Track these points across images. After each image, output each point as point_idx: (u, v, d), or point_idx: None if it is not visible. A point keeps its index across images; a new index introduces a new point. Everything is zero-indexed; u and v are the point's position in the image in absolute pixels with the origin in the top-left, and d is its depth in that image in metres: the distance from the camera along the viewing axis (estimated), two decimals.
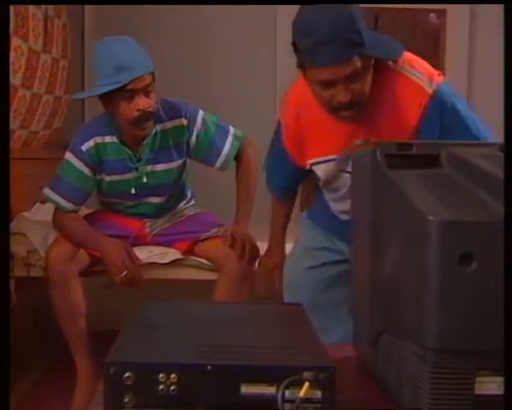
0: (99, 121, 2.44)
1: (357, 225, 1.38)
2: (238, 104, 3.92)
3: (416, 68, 1.84)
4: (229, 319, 1.35)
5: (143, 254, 2.61)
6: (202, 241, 2.54)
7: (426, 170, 1.22)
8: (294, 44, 1.71)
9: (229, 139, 2.55)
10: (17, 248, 2.61)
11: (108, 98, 2.29)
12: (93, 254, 2.46)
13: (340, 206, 2.02)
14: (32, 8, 2.87)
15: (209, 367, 1.04)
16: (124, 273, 2.37)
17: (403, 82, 1.81)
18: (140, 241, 2.59)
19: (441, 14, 4.20)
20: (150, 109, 2.30)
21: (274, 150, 2.15)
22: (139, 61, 2.25)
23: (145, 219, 2.61)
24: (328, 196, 2.09)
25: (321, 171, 1.98)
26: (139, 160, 2.45)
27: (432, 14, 4.23)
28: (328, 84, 1.68)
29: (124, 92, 2.24)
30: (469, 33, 4.19)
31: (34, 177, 2.98)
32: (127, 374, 1.04)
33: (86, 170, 2.42)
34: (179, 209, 2.68)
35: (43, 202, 3.07)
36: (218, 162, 2.57)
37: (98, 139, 2.41)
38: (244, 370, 1.05)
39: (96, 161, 2.42)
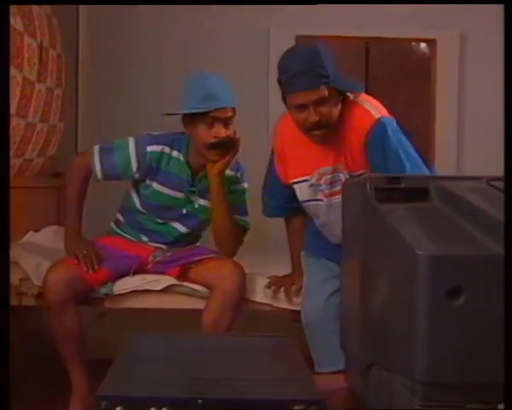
0: (175, 136, 2.59)
1: (347, 257, 1.39)
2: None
3: (369, 102, 2.28)
4: (220, 351, 1.35)
5: (136, 281, 2.61)
6: (196, 264, 2.58)
7: (415, 203, 1.24)
8: (279, 80, 2.20)
9: (242, 218, 2.69)
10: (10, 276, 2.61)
11: (191, 120, 2.47)
12: (89, 282, 2.50)
13: (325, 230, 2.39)
14: (26, 39, 2.90)
15: (200, 401, 1.05)
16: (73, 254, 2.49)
17: (357, 109, 2.25)
18: (142, 267, 2.63)
19: (431, 43, 4.25)
20: (226, 139, 2.47)
21: (269, 175, 2.52)
22: (225, 94, 2.46)
23: (154, 247, 2.66)
24: (315, 221, 2.44)
25: (298, 190, 2.38)
26: (192, 185, 2.59)
27: (422, 44, 4.28)
28: (302, 107, 2.16)
29: (206, 118, 2.43)
30: (459, 62, 4.24)
31: (27, 205, 2.98)
32: (118, 408, 1.04)
33: (135, 164, 2.53)
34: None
35: (36, 231, 3.08)
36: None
37: (166, 149, 2.55)
38: (235, 403, 1.06)
39: (153, 166, 2.54)
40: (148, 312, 2.73)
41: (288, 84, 2.16)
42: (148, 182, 2.57)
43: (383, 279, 1.17)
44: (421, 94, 4.18)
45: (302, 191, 2.39)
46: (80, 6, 3.83)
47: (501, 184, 1.25)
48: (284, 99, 2.23)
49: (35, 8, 3.02)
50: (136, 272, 2.61)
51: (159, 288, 2.60)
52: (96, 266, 2.50)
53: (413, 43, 4.29)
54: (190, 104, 2.45)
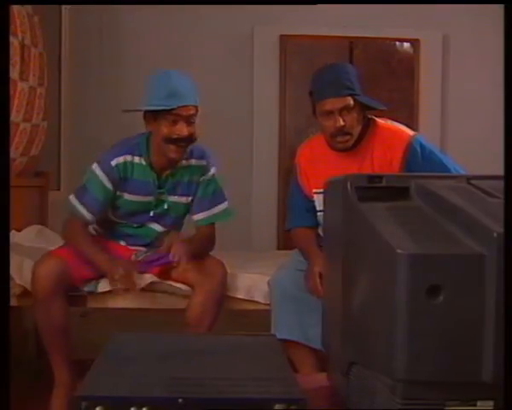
0: (132, 141, 2.60)
1: (328, 256, 1.40)
2: (214, 128, 3.96)
3: (394, 122, 2.57)
4: (202, 350, 1.35)
5: None
6: (177, 264, 2.58)
7: (395, 202, 1.24)
8: (311, 93, 2.48)
9: (222, 206, 2.68)
10: None
11: (154, 117, 2.48)
12: (75, 278, 2.51)
13: None
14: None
15: (180, 400, 1.04)
16: (120, 273, 2.45)
17: (389, 128, 2.53)
18: None
19: (415, 43, 4.27)
20: (189, 137, 2.49)
21: (291, 190, 2.70)
22: (189, 93, 2.48)
23: (135, 248, 2.66)
24: None
25: (317, 201, 2.51)
26: (160, 186, 2.59)
27: (405, 44, 4.30)
28: (329, 113, 2.41)
29: (169, 115, 2.44)
30: (442, 61, 4.27)
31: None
32: (98, 408, 1.04)
33: (109, 185, 2.54)
34: None
35: (18, 230, 3.07)
36: (200, 215, 2.68)
37: (128, 157, 2.56)
38: (215, 403, 1.06)
39: (122, 177, 2.55)
40: (132, 311, 2.72)
41: (318, 92, 2.44)
42: (118, 193, 2.58)
43: (364, 278, 1.17)
44: (404, 93, 4.20)
45: (321, 201, 2.47)
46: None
47: (481, 183, 1.26)
48: (314, 111, 2.48)
49: (15, 6, 3.00)
50: None
51: (141, 285, 2.61)
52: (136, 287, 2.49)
53: (397, 43, 4.31)
54: (154, 101, 2.46)
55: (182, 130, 2.45)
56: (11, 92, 2.97)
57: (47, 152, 3.62)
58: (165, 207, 2.60)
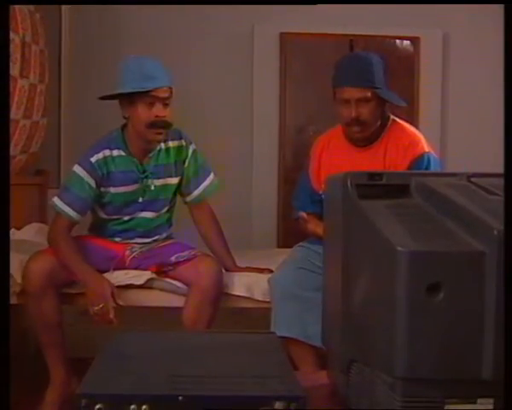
0: (109, 137, 2.63)
1: (328, 253, 1.40)
2: (214, 127, 3.96)
3: (415, 130, 2.57)
4: (202, 348, 1.35)
5: (120, 277, 2.62)
6: (175, 264, 2.60)
7: (395, 200, 1.24)
8: (333, 77, 2.48)
9: (210, 177, 2.75)
10: None
11: (130, 102, 2.51)
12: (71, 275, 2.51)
13: None
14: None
15: (180, 398, 1.05)
16: (100, 305, 2.44)
17: (408, 135, 2.50)
18: (120, 264, 2.65)
19: (415, 41, 4.27)
20: (165, 118, 2.53)
21: (300, 177, 2.73)
22: (163, 74, 2.52)
23: (127, 243, 2.68)
24: None
25: None
26: (144, 171, 2.61)
27: (406, 42, 4.30)
28: (346, 102, 2.41)
29: (146, 98, 2.48)
30: (442, 59, 4.27)
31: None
32: (98, 406, 1.04)
33: (91, 181, 2.56)
34: (161, 237, 2.72)
35: (18, 228, 3.06)
36: (195, 193, 2.73)
37: (107, 152, 2.59)
38: (215, 400, 1.06)
39: (104, 172, 2.58)
40: (132, 309, 2.72)
41: (337, 78, 2.46)
42: (103, 190, 2.60)
43: (364, 275, 1.17)
44: (404, 91, 4.18)
45: None
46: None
47: (481, 181, 1.26)
48: (334, 95, 2.48)
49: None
50: (115, 269, 2.62)
51: (141, 282, 2.61)
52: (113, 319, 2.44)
53: (397, 41, 4.30)
54: (130, 84, 2.48)
55: (159, 111, 2.49)
56: (11, 89, 2.97)
57: (47, 150, 3.62)
58: (152, 188, 2.62)
